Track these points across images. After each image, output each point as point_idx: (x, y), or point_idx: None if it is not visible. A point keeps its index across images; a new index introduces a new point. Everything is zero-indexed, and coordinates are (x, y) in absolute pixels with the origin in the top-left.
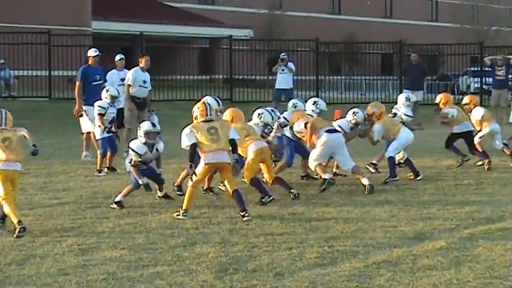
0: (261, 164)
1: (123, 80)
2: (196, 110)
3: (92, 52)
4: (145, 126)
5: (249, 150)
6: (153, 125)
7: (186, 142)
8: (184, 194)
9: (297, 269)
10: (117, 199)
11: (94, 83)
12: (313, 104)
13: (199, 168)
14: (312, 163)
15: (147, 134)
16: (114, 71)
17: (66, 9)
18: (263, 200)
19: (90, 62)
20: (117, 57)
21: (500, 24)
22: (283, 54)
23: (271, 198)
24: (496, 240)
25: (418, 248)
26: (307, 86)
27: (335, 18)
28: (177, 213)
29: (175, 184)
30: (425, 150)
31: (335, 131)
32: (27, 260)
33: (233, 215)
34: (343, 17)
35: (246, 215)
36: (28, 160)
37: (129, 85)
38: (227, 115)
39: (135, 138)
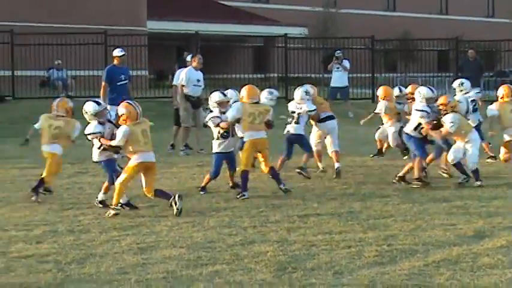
0: (259, 154)
1: (198, 81)
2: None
3: (117, 52)
4: (216, 96)
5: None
6: (223, 94)
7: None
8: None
9: (355, 267)
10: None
11: (119, 83)
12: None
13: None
14: None
15: (219, 103)
16: (191, 69)
17: (122, 9)
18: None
19: (115, 62)
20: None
21: None
22: (338, 52)
23: (245, 197)
24: None
25: (478, 246)
26: (363, 84)
27: (390, 15)
28: None
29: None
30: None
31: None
32: (87, 259)
33: (290, 213)
34: (399, 13)
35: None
36: (86, 160)
37: (183, 85)
38: (242, 92)
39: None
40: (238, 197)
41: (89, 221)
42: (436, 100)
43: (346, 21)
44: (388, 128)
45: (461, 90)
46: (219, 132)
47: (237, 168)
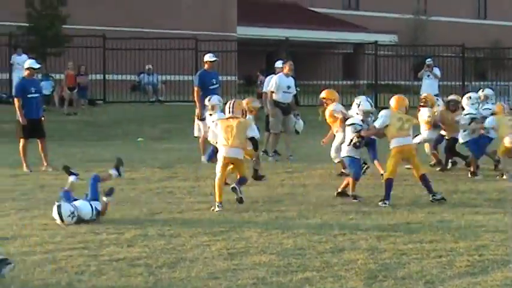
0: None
1: (289, 87)
2: None
3: (209, 57)
4: (364, 106)
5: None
6: (371, 104)
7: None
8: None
9: (447, 277)
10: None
11: (211, 87)
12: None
13: None
14: None
15: (365, 113)
16: (281, 75)
17: (212, 15)
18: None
19: (206, 67)
20: (281, 63)
21: None
22: (429, 59)
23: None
24: None
25: None
26: (453, 92)
27: (481, 23)
28: None
29: (351, 194)
30: None
31: None
32: (178, 263)
33: (380, 221)
34: (490, 21)
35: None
36: (176, 164)
37: (272, 91)
38: (392, 101)
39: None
40: (380, 203)
41: (179, 225)
42: None
43: (436, 28)
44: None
45: None
46: (352, 140)
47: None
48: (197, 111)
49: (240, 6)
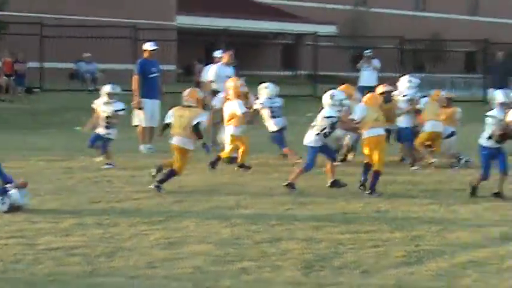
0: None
1: (228, 77)
2: None
3: (150, 46)
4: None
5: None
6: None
7: None
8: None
9: (382, 267)
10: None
11: (151, 76)
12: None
13: None
14: None
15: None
16: (220, 64)
17: (152, 4)
18: None
19: (147, 55)
20: (220, 53)
21: None
22: (368, 51)
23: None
24: None
25: (504, 248)
26: (391, 84)
27: (420, 15)
28: None
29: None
30: None
31: None
32: (116, 253)
33: (317, 212)
34: (428, 14)
35: None
36: (113, 153)
37: (212, 81)
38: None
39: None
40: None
41: (117, 214)
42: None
43: (376, 20)
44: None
45: None
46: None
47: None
48: (136, 99)
49: None
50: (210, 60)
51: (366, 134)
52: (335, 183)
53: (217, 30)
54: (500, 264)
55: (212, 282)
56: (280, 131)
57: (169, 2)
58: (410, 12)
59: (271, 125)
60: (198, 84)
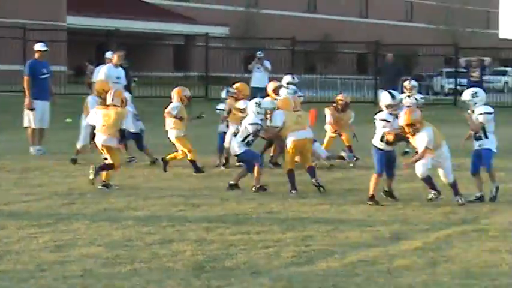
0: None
1: (118, 78)
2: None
3: (40, 46)
4: (265, 104)
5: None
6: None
7: None
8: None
9: (273, 267)
10: None
11: (41, 77)
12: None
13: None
14: None
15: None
16: (110, 65)
17: (41, 4)
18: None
19: (37, 56)
20: (110, 54)
21: (476, 25)
22: (259, 52)
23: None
24: (471, 241)
25: (394, 248)
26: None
27: (311, 16)
28: None
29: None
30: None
31: None
32: (4, 256)
33: (209, 213)
34: (319, 15)
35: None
36: (3, 155)
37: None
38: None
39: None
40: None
41: (5, 217)
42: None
43: (267, 21)
44: None
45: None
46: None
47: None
48: (27, 101)
49: None
50: (101, 61)
51: (290, 137)
52: (231, 186)
53: (108, 31)
54: (389, 263)
55: (102, 284)
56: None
57: (60, 3)
58: (302, 14)
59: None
60: (90, 86)
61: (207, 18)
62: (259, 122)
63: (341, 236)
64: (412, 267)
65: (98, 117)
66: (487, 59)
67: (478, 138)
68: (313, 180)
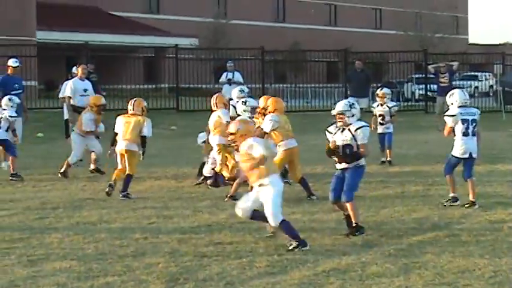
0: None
1: (85, 90)
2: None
3: (12, 62)
4: (251, 102)
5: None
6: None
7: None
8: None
9: (247, 278)
10: None
11: (14, 92)
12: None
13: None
14: None
15: (253, 109)
16: (76, 79)
17: (10, 19)
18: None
19: (9, 72)
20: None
21: (444, 31)
22: (229, 62)
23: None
24: (444, 247)
25: (367, 255)
26: (253, 94)
27: (280, 26)
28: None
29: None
30: (370, 157)
31: None
32: None
33: (182, 224)
34: (288, 25)
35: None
36: None
37: (69, 97)
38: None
39: None
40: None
41: None
42: None
43: (236, 32)
44: None
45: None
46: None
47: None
48: None
49: (40, 10)
50: (68, 75)
51: (282, 146)
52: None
53: (77, 44)
54: (362, 271)
55: None
56: None
57: (29, 17)
58: (271, 24)
59: None
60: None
61: (176, 29)
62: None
63: (314, 245)
64: (385, 274)
65: (120, 124)
66: (455, 63)
67: None
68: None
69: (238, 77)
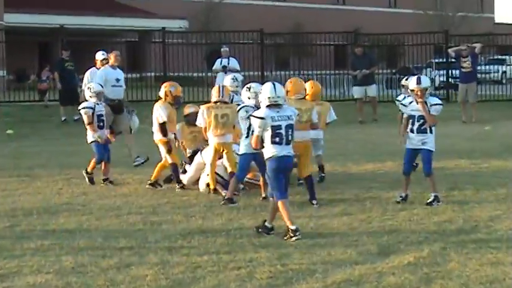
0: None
1: (118, 80)
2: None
3: None
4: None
5: None
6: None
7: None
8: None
9: None
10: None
11: None
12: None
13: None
14: None
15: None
16: (107, 67)
17: None
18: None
19: None
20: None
21: (467, 10)
22: (224, 47)
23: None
24: (469, 254)
25: (383, 264)
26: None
27: (280, 5)
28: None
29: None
30: (387, 153)
31: None
32: None
33: (172, 232)
34: (290, 4)
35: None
36: None
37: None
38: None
39: None
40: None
41: None
42: None
43: (231, 12)
44: None
45: None
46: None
47: None
48: None
49: None
50: (46, 63)
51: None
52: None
53: (52, 28)
54: (378, 282)
55: None
56: None
57: None
58: (271, 3)
59: None
60: (43, 92)
61: (163, 11)
62: (251, 105)
63: (322, 253)
64: (404, 285)
65: (154, 117)
66: (478, 45)
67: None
68: (311, 201)
69: (234, 63)
